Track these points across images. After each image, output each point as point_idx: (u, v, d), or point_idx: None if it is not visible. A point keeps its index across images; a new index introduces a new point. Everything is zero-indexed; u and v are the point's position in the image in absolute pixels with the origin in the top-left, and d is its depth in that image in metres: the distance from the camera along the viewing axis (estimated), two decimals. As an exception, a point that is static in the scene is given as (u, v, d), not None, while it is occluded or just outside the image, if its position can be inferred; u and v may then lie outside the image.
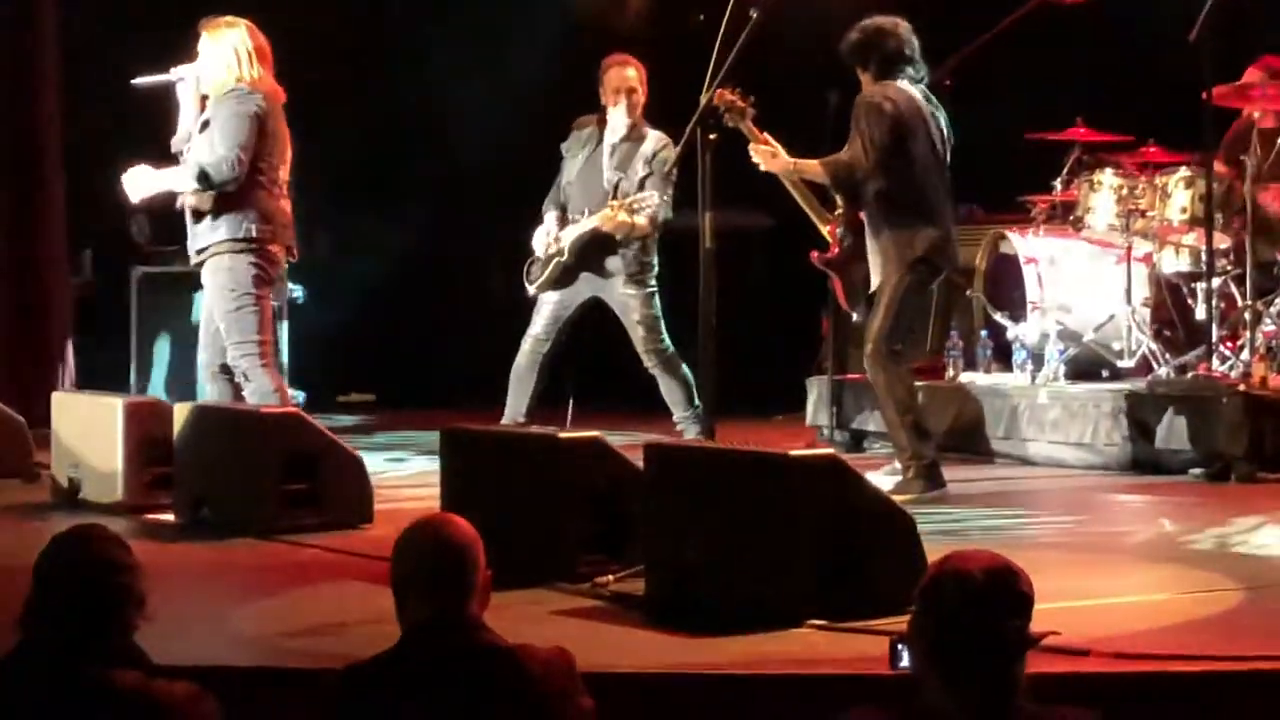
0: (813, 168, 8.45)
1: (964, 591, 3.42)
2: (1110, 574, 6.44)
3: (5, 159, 12.31)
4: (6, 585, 4.21)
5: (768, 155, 8.44)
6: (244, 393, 8.41)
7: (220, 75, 8.44)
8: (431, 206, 14.30)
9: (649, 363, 9.22)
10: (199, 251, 8.48)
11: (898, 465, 8.49)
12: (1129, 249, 9.94)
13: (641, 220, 9.10)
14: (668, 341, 9.22)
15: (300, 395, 12.01)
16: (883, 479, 7.88)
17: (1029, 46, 10.54)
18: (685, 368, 9.13)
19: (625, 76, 9.29)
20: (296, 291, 12.73)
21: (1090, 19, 10.66)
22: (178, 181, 8.47)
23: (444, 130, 13.97)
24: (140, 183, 8.57)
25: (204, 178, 8.33)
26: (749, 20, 7.23)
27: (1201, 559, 6.69)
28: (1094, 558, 6.77)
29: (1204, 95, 9.24)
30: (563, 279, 9.34)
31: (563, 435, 6.59)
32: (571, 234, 9.29)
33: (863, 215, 8.46)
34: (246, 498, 7.61)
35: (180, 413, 8.08)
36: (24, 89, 12.36)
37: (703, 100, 7.27)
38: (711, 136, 7.23)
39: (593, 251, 9.26)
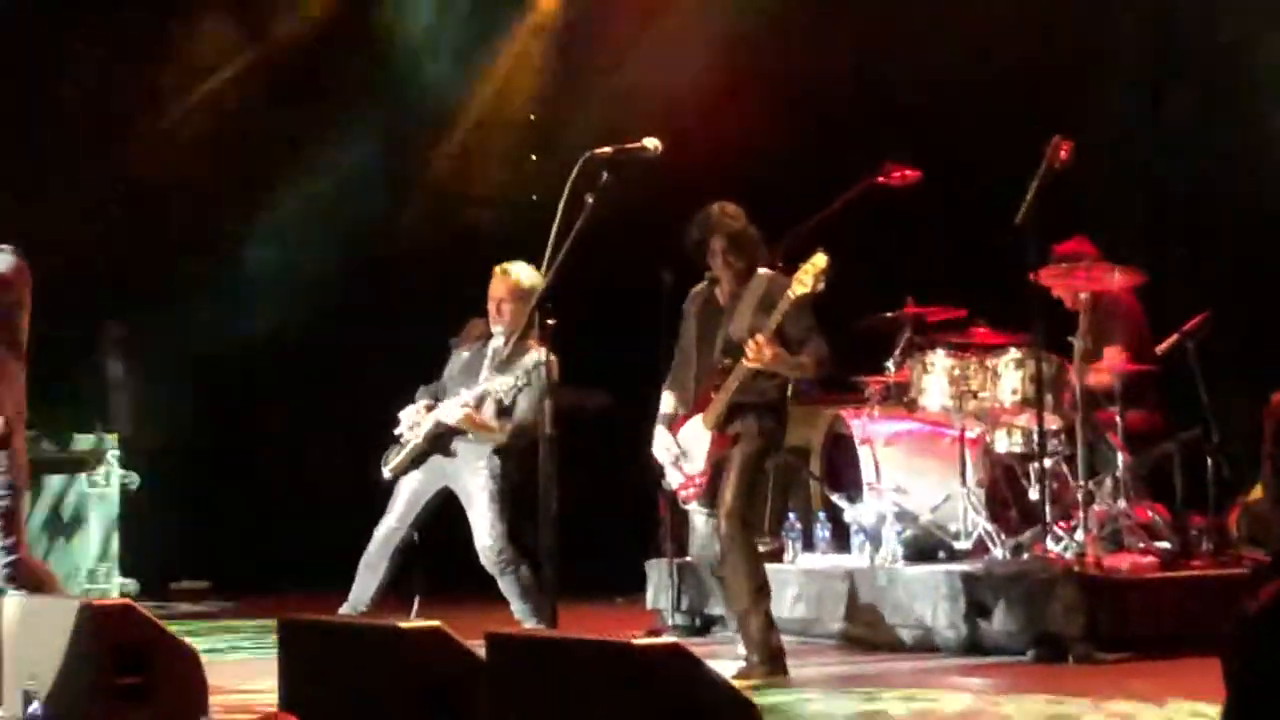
0: (805, 367, 8.46)
1: None
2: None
3: None
4: None
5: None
6: None
7: None
8: (266, 387, 14.25)
9: (485, 560, 9.16)
10: None
11: (741, 650, 8.47)
12: (963, 430, 10.04)
13: (491, 423, 9.11)
14: (507, 544, 9.16)
15: (132, 584, 11.84)
16: (726, 665, 7.84)
17: (859, 227, 10.70)
18: (524, 567, 9.09)
19: (495, 288, 9.32)
20: (130, 479, 12.58)
21: (918, 201, 10.85)
22: None
23: (290, 299, 13.99)
24: None
25: None
26: (585, 204, 7.26)
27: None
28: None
29: (1030, 276, 9.40)
30: (416, 463, 9.31)
31: (403, 625, 6.48)
32: (429, 421, 9.27)
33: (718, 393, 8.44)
34: (77, 692, 7.42)
35: (9, 605, 7.90)
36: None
37: (540, 284, 7.27)
38: (550, 321, 7.23)
39: (448, 441, 9.25)
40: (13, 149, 12.61)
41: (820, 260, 8.21)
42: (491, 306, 9.38)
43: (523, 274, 9.29)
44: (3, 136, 12.62)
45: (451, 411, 9.20)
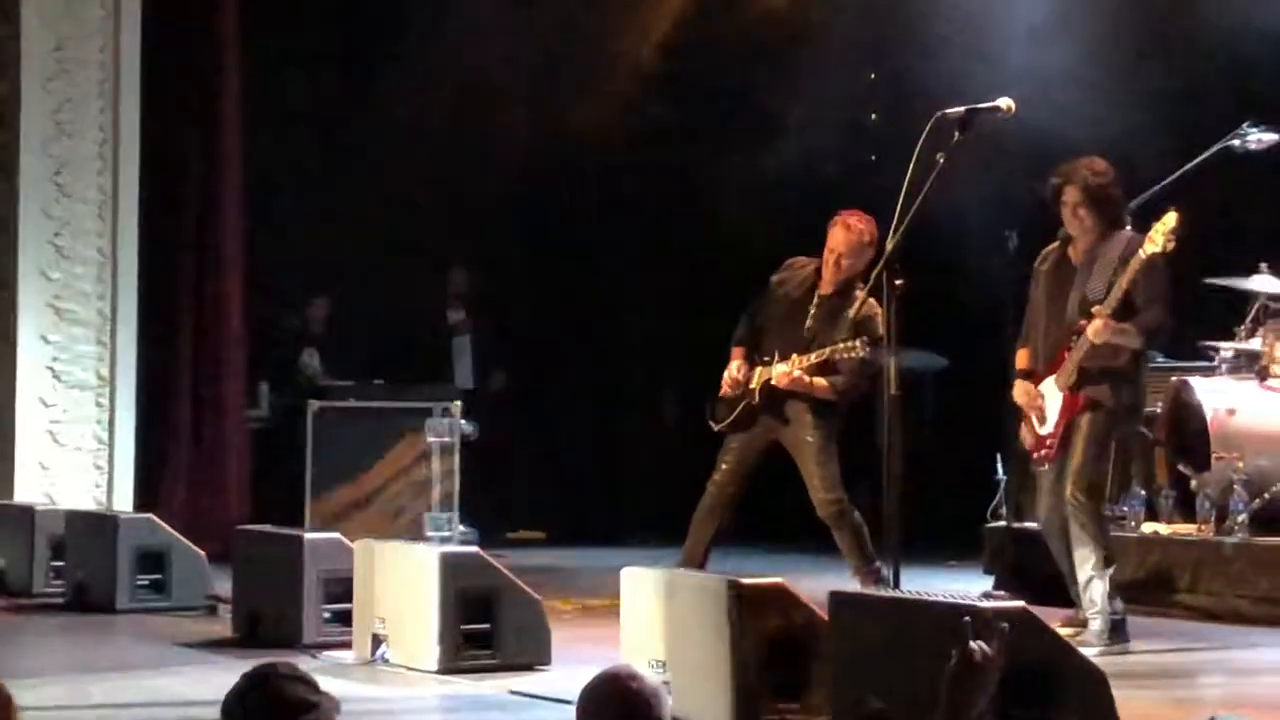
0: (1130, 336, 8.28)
1: None
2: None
3: (191, 294, 12.50)
4: None
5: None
6: None
7: None
8: (600, 338, 14.40)
9: (822, 513, 9.12)
10: None
11: (1081, 617, 8.35)
12: (1316, 400, 9.76)
13: (823, 382, 9.02)
14: (842, 493, 9.10)
15: (472, 532, 12.06)
16: (1065, 631, 7.72)
17: (1210, 191, 10.45)
18: (858, 517, 9.03)
19: (833, 238, 9.21)
20: (469, 427, 12.81)
21: (1273, 166, 10.55)
22: None
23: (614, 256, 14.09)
24: None
25: None
26: (935, 165, 7.19)
27: None
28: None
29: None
30: (746, 420, 9.27)
31: (744, 581, 6.54)
32: (759, 378, 9.20)
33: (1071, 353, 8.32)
34: (426, 637, 7.60)
35: (359, 549, 8.12)
36: (210, 225, 12.56)
37: (888, 245, 7.23)
38: (898, 282, 7.18)
39: (779, 399, 9.19)
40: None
41: (1170, 219, 8.05)
42: (829, 257, 9.24)
43: (865, 228, 9.16)
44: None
45: (780, 375, 9.10)
